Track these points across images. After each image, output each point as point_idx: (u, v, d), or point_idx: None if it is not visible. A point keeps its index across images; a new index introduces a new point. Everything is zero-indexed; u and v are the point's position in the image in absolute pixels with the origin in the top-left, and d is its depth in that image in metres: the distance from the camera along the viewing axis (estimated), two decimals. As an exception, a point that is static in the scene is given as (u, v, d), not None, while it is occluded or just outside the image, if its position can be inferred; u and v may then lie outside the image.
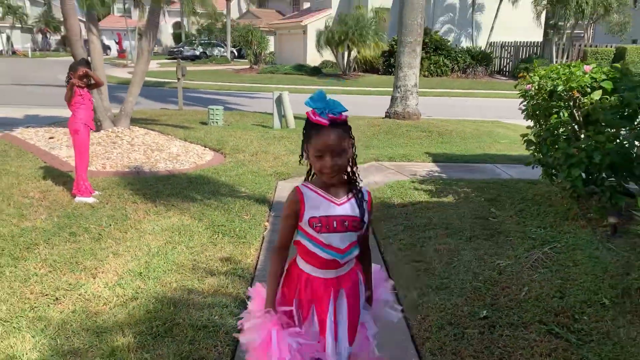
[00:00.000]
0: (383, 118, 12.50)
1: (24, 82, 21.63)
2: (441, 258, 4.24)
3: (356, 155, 1.99)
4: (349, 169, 1.98)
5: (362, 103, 16.52)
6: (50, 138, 8.25)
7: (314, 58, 31.57)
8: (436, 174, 7.42)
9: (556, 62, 25.19)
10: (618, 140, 4.74)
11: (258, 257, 4.30)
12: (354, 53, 27.58)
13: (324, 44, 26.61)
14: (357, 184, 2.01)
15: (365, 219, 1.99)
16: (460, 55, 29.42)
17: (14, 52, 49.94)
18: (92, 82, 5.55)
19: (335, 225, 1.93)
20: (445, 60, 29.24)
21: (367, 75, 28.84)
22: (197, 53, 45.13)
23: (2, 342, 2.91)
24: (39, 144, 7.91)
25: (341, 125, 1.88)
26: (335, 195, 1.96)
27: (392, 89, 12.60)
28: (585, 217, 5.06)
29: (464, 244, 4.52)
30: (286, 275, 2.05)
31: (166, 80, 22.08)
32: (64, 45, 56.47)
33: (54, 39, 60.61)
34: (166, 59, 41.53)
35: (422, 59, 28.30)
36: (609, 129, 4.81)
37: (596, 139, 4.72)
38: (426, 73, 28.95)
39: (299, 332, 1.94)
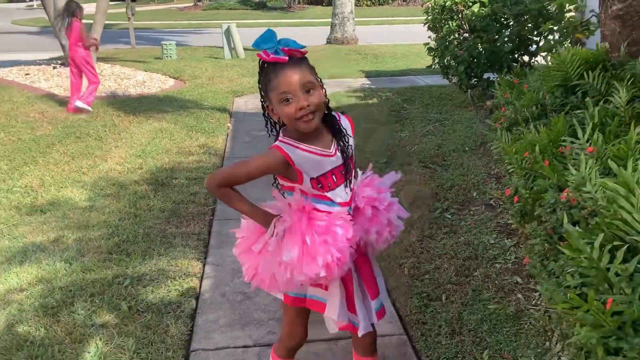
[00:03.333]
0: (325, 45, 13.79)
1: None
2: (360, 136, 5.77)
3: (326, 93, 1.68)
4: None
5: (307, 35, 17.61)
6: (26, 74, 9.22)
7: (258, -8, 31.85)
8: (367, 86, 8.91)
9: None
10: (492, 43, 6.30)
11: (225, 144, 5.73)
12: (297, -15, 28.18)
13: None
14: (335, 118, 1.72)
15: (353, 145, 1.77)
16: (400, -17, 30.41)
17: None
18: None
19: (335, 179, 1.70)
20: (386, -12, 30.21)
21: (312, 7, 29.56)
22: (138, -7, 44.23)
23: (59, 193, 4.30)
24: (18, 80, 8.90)
25: (302, 60, 1.60)
26: (323, 144, 1.67)
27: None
28: (474, 104, 6.68)
29: (378, 128, 6.06)
30: None
31: (113, 22, 22.40)
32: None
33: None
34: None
35: (364, -12, 29.21)
36: (486, 34, 6.36)
37: (474, 42, 6.27)
38: (368, 3, 29.97)
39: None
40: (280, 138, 1.67)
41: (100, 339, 2.53)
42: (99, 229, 3.69)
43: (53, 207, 4.07)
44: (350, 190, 1.76)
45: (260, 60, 1.60)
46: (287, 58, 1.56)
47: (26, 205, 4.10)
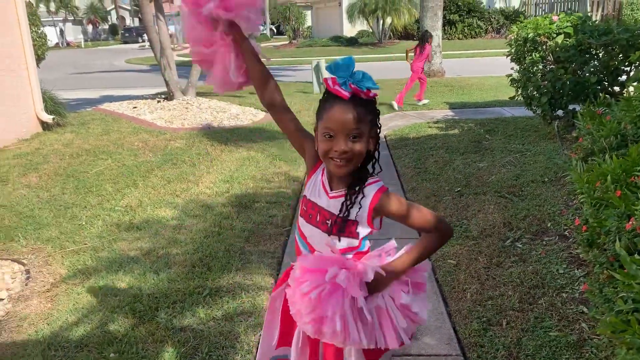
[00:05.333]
0: (411, 78, 13.94)
1: (87, 70, 23.93)
2: (437, 165, 5.84)
3: (378, 152, 1.63)
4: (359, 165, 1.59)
5: (395, 68, 17.87)
6: (134, 107, 10.17)
7: (350, 29, 32.77)
8: (449, 117, 8.93)
9: (590, 15, 25.60)
10: (577, 74, 6.18)
11: (305, 174, 6.01)
12: (388, 21, 28.71)
13: (357, 14, 27.86)
14: (365, 180, 1.60)
15: (353, 217, 1.58)
16: (493, 16, 30.11)
17: (67, 44, 53.05)
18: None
19: (318, 219, 1.63)
20: (478, 22, 29.99)
21: (403, 41, 29.92)
22: (238, 32, 46.90)
23: (154, 212, 4.75)
24: (127, 112, 9.84)
25: (366, 103, 1.51)
26: (332, 185, 1.63)
27: (418, 51, 14.01)
28: (559, 136, 6.53)
29: (456, 157, 6.10)
30: None
31: (214, 59, 23.94)
32: (112, 34, 59.51)
33: (103, 28, 63.73)
34: (210, 40, 43.47)
35: (455, 22, 29.27)
36: (571, 65, 6.25)
37: (558, 73, 6.18)
38: (460, 36, 29.86)
39: None
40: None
41: (178, 341, 2.81)
42: (186, 245, 4.05)
43: (147, 224, 4.51)
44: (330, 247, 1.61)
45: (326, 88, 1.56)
46: (347, 95, 1.47)
47: (124, 223, 4.57)
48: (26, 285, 3.59)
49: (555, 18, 6.51)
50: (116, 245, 4.10)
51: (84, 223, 4.57)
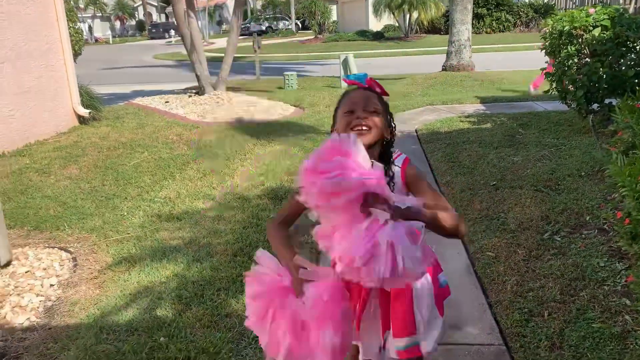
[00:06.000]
0: (440, 72, 13.88)
1: (117, 66, 24.35)
2: (471, 159, 5.83)
3: (394, 136, 1.78)
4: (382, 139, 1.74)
5: (423, 62, 17.81)
6: (165, 102, 10.36)
7: (376, 23, 32.65)
8: (481, 111, 8.87)
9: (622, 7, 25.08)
10: (614, 68, 6.10)
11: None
12: (415, 15, 28.54)
13: (383, 8, 27.75)
14: (391, 155, 1.75)
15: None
16: (522, 9, 29.68)
17: (96, 40, 53.95)
18: None
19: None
20: (507, 15, 29.60)
21: (430, 35, 29.73)
22: (264, 28, 47.09)
23: (192, 204, 4.86)
24: (159, 107, 10.03)
25: (379, 95, 1.75)
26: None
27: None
28: (595, 130, 6.45)
29: (490, 151, 6.08)
30: None
31: (239, 55, 24.17)
32: (139, 30, 60.33)
33: (130, 24, 64.67)
34: (236, 35, 43.83)
35: (483, 15, 28.95)
36: (607, 58, 6.16)
37: (594, 66, 6.11)
38: (488, 30, 29.52)
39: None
40: None
41: (225, 326, 2.90)
42: (226, 235, 4.14)
43: (187, 215, 4.62)
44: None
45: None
46: (363, 84, 1.74)
47: (165, 213, 4.69)
48: (74, 272, 3.73)
49: (592, 11, 6.42)
50: (158, 235, 4.22)
51: (125, 213, 4.70)
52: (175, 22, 10.42)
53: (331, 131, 1.80)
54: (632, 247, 3.04)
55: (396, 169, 1.74)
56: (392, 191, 1.64)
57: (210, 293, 3.25)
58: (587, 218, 4.00)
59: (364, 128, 1.68)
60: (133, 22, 64.29)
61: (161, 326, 2.92)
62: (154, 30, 53.27)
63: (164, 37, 50.25)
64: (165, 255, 3.82)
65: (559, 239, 3.75)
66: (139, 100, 11.10)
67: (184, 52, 12.32)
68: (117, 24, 63.41)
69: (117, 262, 3.78)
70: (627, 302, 2.88)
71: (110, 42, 51.25)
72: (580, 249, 3.54)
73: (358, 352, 1.82)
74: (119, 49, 38.85)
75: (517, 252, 3.60)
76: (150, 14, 61.68)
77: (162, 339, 2.79)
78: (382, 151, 1.76)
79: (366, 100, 1.70)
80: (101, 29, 59.43)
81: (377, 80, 1.77)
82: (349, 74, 12.87)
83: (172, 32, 52.03)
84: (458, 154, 6.08)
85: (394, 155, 1.77)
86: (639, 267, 2.63)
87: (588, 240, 3.66)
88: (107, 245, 4.08)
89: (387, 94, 1.79)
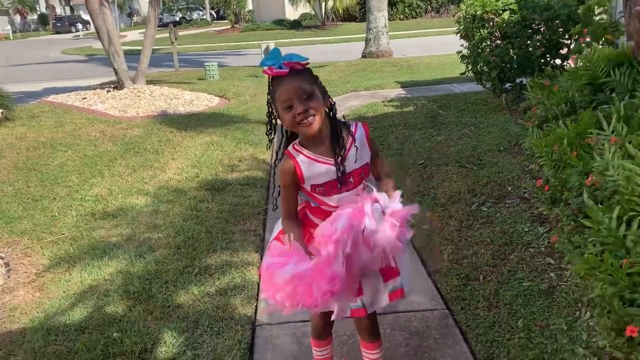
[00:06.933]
0: (360, 59, 14.19)
1: (21, 63, 22.88)
2: (398, 141, 6.08)
3: (334, 103, 1.86)
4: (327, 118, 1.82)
5: (342, 50, 18.10)
6: (83, 98, 9.92)
7: (293, 12, 32.68)
8: (403, 95, 9.21)
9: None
10: (523, 49, 6.54)
11: (272, 153, 6.12)
12: (330, 3, 28.83)
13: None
14: (347, 128, 1.86)
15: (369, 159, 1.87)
16: (432, -5, 30.78)
17: (-6, 36, 50.27)
18: None
19: (339, 186, 1.81)
20: (418, 2, 30.59)
21: (346, 23, 30.19)
22: (177, 19, 45.89)
23: (126, 200, 4.76)
24: (76, 104, 9.59)
25: (303, 72, 1.74)
26: (328, 155, 1.80)
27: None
28: (508, 108, 6.90)
29: (415, 132, 6.36)
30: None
31: (156, 47, 23.43)
32: (43, 24, 56.83)
33: (32, 18, 60.71)
34: (148, 27, 42.36)
35: (396, 2, 29.70)
36: (517, 40, 6.59)
37: (506, 48, 6.52)
38: (401, 16, 30.40)
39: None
40: (293, 146, 1.85)
41: (178, 317, 2.91)
42: (166, 228, 4.11)
43: (122, 212, 4.52)
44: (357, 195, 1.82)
45: (268, 77, 1.76)
46: (286, 71, 1.70)
47: (99, 212, 4.57)
48: (8, 277, 3.57)
49: (500, -5, 6.83)
50: (95, 234, 4.11)
51: (56, 214, 4.54)
52: (89, 15, 9.97)
53: (270, 119, 1.84)
54: (552, 211, 3.35)
55: (362, 137, 1.86)
56: (357, 153, 1.81)
57: (158, 286, 3.23)
58: (509, 189, 4.32)
59: (309, 119, 1.74)
60: (35, 16, 60.38)
61: (112, 322, 2.89)
62: (58, 24, 50.39)
63: (70, 31, 47.72)
64: (106, 253, 3.74)
65: (485, 209, 4.03)
66: (53, 98, 10.55)
67: (95, 45, 11.85)
68: (17, 18, 59.31)
69: (55, 264, 3.66)
70: (551, 261, 3.17)
71: (11, 37, 47.92)
72: (505, 217, 3.83)
73: (329, 314, 1.90)
74: (22, 45, 36.43)
75: (449, 223, 3.84)
76: (53, 7, 58.22)
77: (115, 334, 2.76)
78: (332, 128, 1.83)
79: (298, 90, 1.71)
80: (0, 24, 55.40)
81: (292, 54, 1.75)
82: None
83: (80, 25, 49.51)
84: (386, 137, 6.32)
85: (352, 127, 1.87)
86: (561, 228, 2.91)
87: (512, 208, 3.96)
88: (41, 247, 3.93)
89: (307, 64, 1.76)
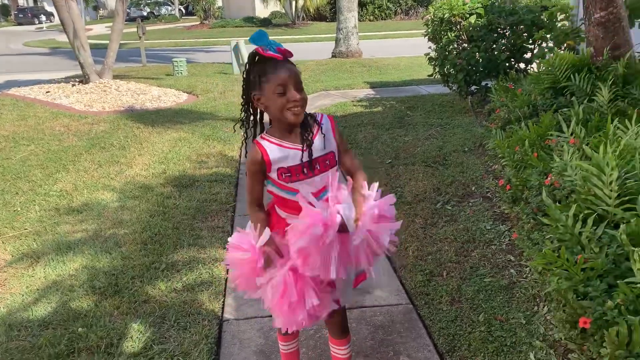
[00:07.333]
0: (330, 58, 14.25)
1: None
2: (367, 140, 6.16)
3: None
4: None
5: (312, 49, 18.09)
6: (46, 92, 9.69)
7: (263, 9, 32.55)
8: (372, 96, 9.31)
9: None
10: (489, 52, 6.70)
11: (240, 151, 6.12)
12: (301, 2, 28.84)
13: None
14: (315, 118, 1.90)
15: (334, 148, 1.90)
16: (402, -3, 31.11)
17: (-48, 26, 48.45)
18: None
19: (305, 171, 1.84)
20: (388, 3, 30.86)
21: (316, 23, 30.24)
22: (145, 13, 45.14)
23: (92, 195, 4.70)
24: (40, 97, 9.37)
25: (292, 61, 1.79)
26: (295, 142, 1.84)
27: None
28: (473, 110, 7.06)
29: (383, 132, 6.44)
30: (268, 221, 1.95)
31: (123, 42, 23.02)
32: (4, 15, 55.10)
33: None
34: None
35: (366, 3, 29.91)
36: (483, 43, 6.75)
37: (472, 51, 6.67)
38: (371, 17, 30.63)
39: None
40: (261, 135, 1.88)
41: (145, 312, 2.90)
42: (132, 224, 4.07)
43: (88, 207, 4.46)
44: (321, 188, 1.88)
45: (252, 55, 1.78)
46: (280, 56, 1.75)
47: (63, 207, 4.49)
48: (-32, 272, 3.49)
49: None
50: (59, 229, 4.05)
51: (19, 209, 4.44)
52: (54, 7, 9.76)
53: (250, 96, 1.83)
54: (513, 210, 3.47)
55: (328, 127, 1.90)
56: (324, 140, 1.86)
57: (124, 282, 3.21)
58: (473, 188, 4.43)
59: (299, 109, 1.78)
60: (-5, 6, 58.49)
61: (77, 317, 2.86)
62: (21, 15, 48.90)
63: (33, 23, 46.40)
64: (71, 249, 3.69)
65: (450, 207, 4.13)
66: (14, 91, 10.28)
67: (59, 38, 11.54)
68: (-24, 7, 57.32)
69: (18, 259, 3.59)
70: (512, 258, 3.28)
71: (-30, 27, 46.33)
72: (469, 215, 3.93)
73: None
74: (-19, 36, 35.29)
75: (415, 221, 3.92)
76: (15, -3, 56.50)
77: (80, 329, 2.73)
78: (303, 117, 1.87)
79: (296, 79, 1.76)
80: (-43, 14, 53.46)
81: (280, 45, 1.77)
82: (240, 60, 12.80)
83: (43, 17, 48.21)
84: (355, 136, 6.39)
85: (318, 117, 1.91)
86: (521, 226, 3.02)
87: (475, 207, 4.07)
88: (2, 242, 3.85)
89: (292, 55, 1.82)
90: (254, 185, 1.91)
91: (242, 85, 1.87)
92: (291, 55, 1.79)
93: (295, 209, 1.83)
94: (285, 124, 1.83)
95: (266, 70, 1.75)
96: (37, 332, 2.76)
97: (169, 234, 3.88)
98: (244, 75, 1.84)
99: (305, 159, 1.83)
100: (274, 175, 1.85)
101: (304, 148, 1.83)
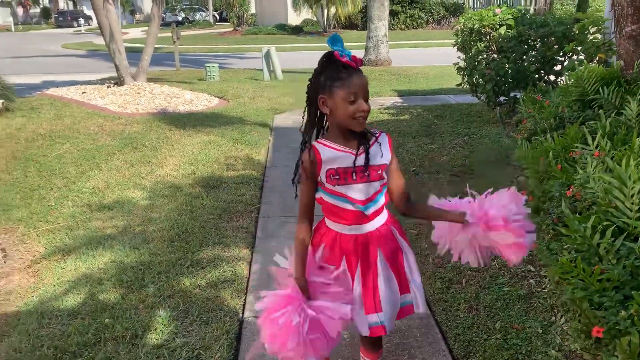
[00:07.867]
0: (359, 66, 14.34)
1: (22, 55, 22.91)
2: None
3: None
4: None
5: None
6: (83, 93, 10.01)
7: (295, 17, 32.82)
8: (399, 104, 9.34)
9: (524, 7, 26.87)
10: (518, 63, 6.68)
11: (267, 154, 6.22)
12: (333, 10, 29.00)
13: (302, 2, 28.00)
14: (374, 132, 1.91)
15: (388, 161, 1.90)
16: (434, 7, 30.98)
17: (-4, 27, 50.16)
18: None
19: (354, 177, 1.84)
20: (420, 13, 30.79)
21: (347, 31, 30.31)
22: (180, 19, 45.92)
23: (123, 193, 4.85)
24: (76, 98, 9.68)
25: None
26: (352, 147, 1.84)
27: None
28: (501, 121, 7.04)
29: (409, 140, 6.48)
30: (314, 233, 1.99)
31: (158, 45, 23.53)
32: (45, 17, 56.83)
33: (34, 12, 60.70)
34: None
35: (398, 12, 29.93)
36: (512, 54, 6.74)
37: (501, 62, 6.66)
38: (402, 26, 30.58)
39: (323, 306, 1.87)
40: (317, 139, 1.89)
41: (169, 306, 3.00)
42: (160, 222, 4.20)
43: (118, 205, 4.61)
44: (371, 196, 1.89)
45: (328, 56, 1.78)
46: (354, 64, 1.76)
47: (95, 203, 4.66)
48: (4, 262, 3.66)
49: (498, 11, 6.99)
50: (91, 224, 4.20)
51: (53, 204, 4.62)
52: (93, 11, 10.08)
53: (312, 101, 1.85)
54: (534, 220, 3.46)
55: (384, 141, 1.91)
56: (382, 156, 1.87)
57: (151, 277, 3.33)
58: (497, 198, 4.43)
59: (365, 119, 1.79)
60: (37, 9, 60.38)
61: (105, 309, 2.98)
62: (61, 19, 50.36)
63: (72, 26, 47.72)
64: (101, 244, 3.83)
65: (472, 217, 4.14)
66: (52, 91, 10.63)
67: (96, 41, 11.91)
68: (20, 10, 59.27)
69: (51, 252, 3.75)
70: (532, 268, 3.28)
71: (12, 29, 47.90)
72: (491, 225, 3.93)
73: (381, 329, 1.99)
74: (23, 37, 36.43)
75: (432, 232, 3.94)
76: (56, 1, 58.25)
77: (107, 320, 2.85)
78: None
79: (366, 89, 1.77)
80: (1, 16, 55.33)
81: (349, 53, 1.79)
82: (271, 67, 12.98)
83: (82, 20, 49.56)
84: (380, 143, 6.43)
85: (376, 133, 1.92)
86: (541, 237, 3.03)
87: (498, 217, 4.07)
88: (37, 235, 4.02)
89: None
90: (304, 189, 1.90)
91: (308, 84, 1.86)
92: (362, 64, 1.81)
93: (344, 218, 1.90)
94: (344, 131, 1.84)
95: (340, 76, 1.75)
96: (66, 321, 2.89)
97: (195, 232, 4.00)
98: (313, 75, 1.83)
99: (359, 163, 1.82)
100: (323, 177, 1.85)
101: (359, 152, 1.83)
